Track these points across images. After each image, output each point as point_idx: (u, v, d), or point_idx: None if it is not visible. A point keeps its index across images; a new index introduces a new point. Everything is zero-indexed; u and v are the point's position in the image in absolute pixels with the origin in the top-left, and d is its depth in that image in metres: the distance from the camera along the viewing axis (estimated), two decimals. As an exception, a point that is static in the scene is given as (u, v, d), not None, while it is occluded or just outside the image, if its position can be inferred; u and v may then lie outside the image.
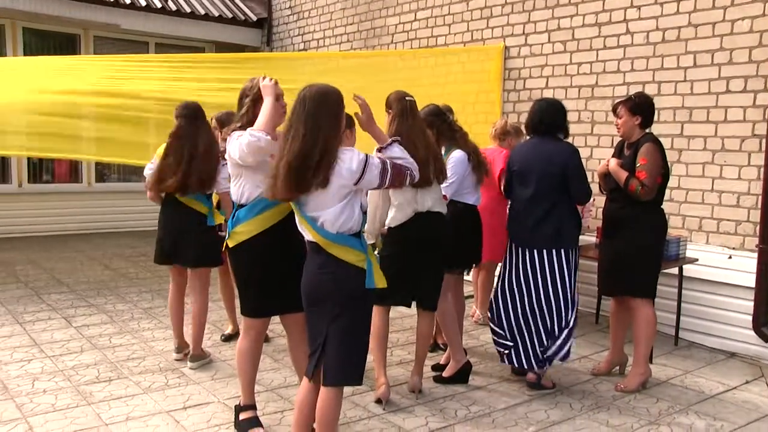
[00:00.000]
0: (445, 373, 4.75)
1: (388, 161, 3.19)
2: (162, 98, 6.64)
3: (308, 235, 3.13)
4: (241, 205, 3.62)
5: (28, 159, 10.60)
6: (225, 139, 3.69)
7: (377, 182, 3.14)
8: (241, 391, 3.89)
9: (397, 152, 3.34)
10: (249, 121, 3.58)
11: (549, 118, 4.62)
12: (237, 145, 3.43)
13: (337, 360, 3.14)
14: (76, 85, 6.67)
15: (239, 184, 3.60)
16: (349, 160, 3.02)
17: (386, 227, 4.37)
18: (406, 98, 4.25)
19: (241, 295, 3.78)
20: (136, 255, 9.20)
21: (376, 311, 4.37)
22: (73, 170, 11.23)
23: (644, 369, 4.74)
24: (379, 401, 4.30)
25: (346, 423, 4.00)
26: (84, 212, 10.98)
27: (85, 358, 5.04)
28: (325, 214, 3.05)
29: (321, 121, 3.02)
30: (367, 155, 3.10)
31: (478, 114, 7.29)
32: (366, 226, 4.37)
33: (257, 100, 3.60)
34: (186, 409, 4.17)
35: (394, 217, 4.29)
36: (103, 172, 11.46)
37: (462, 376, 4.73)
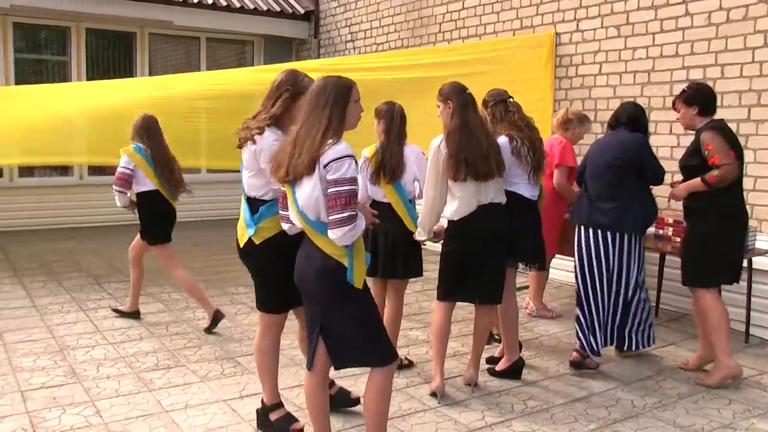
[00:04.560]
0: (498, 368, 4.73)
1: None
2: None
3: (297, 221, 3.16)
4: (261, 200, 3.60)
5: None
6: (251, 130, 3.57)
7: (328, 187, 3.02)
8: (264, 391, 3.81)
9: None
10: (276, 116, 3.53)
11: (626, 114, 4.79)
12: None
13: (341, 348, 3.18)
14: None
15: (258, 178, 3.58)
16: (334, 151, 2.99)
17: (446, 221, 4.34)
18: (466, 92, 4.23)
19: (263, 291, 3.73)
20: (189, 245, 9.37)
21: (438, 307, 4.40)
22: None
23: (725, 364, 4.56)
24: (434, 394, 4.29)
25: (401, 415, 4.01)
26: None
27: (145, 346, 5.17)
28: (305, 199, 3.05)
29: (315, 111, 3.05)
30: (351, 158, 3.01)
31: (529, 102, 7.15)
32: (419, 219, 4.41)
33: (297, 95, 3.50)
34: (242, 398, 4.24)
35: (456, 211, 4.25)
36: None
37: (514, 371, 4.69)
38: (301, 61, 10.86)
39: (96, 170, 11.20)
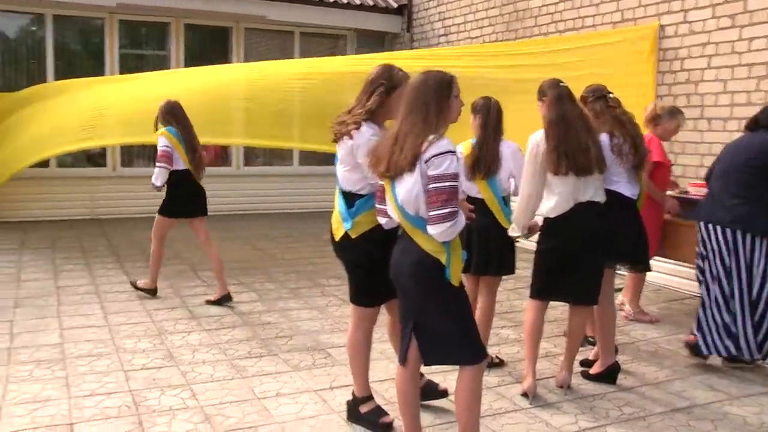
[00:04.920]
0: (592, 371, 4.58)
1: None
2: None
3: (395, 216, 3.15)
4: (357, 195, 3.58)
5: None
6: (347, 125, 3.54)
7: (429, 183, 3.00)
8: (355, 384, 3.82)
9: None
10: (372, 110, 3.50)
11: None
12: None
13: (434, 344, 3.16)
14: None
15: (355, 173, 3.56)
16: (436, 147, 2.96)
17: (541, 218, 4.25)
18: (561, 84, 4.13)
19: (358, 285, 3.72)
20: (280, 236, 9.55)
21: (531, 305, 4.31)
22: (223, 154, 11.81)
23: None
24: (525, 395, 4.21)
25: (492, 414, 3.95)
26: (232, 194, 11.50)
27: (238, 334, 5.27)
28: (405, 194, 3.04)
29: (416, 106, 3.03)
30: (453, 154, 2.99)
31: (628, 98, 6.90)
32: (513, 215, 4.33)
33: (391, 89, 3.48)
34: (332, 389, 4.26)
35: (553, 208, 4.15)
36: (250, 156, 11.95)
37: (609, 376, 4.52)
38: (394, 52, 10.89)
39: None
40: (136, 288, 6.27)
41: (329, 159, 11.16)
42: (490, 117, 4.41)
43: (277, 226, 10.36)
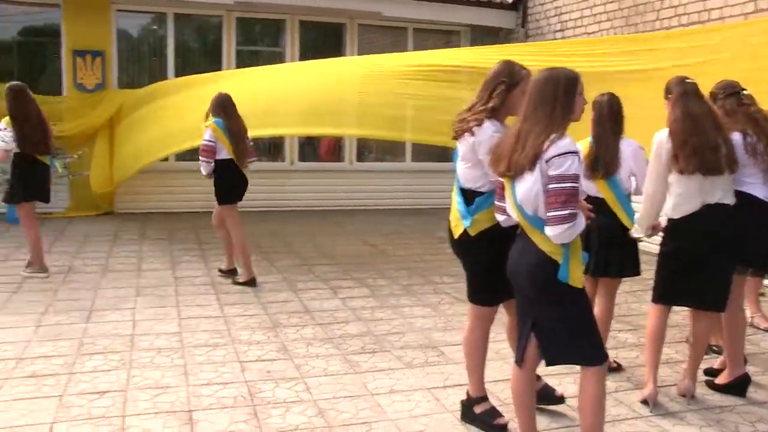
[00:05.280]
0: (719, 381, 4.27)
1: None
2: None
3: (514, 215, 3.07)
4: (477, 192, 3.51)
5: (299, 139, 11.47)
6: (468, 122, 3.50)
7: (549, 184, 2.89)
8: (470, 383, 3.75)
9: None
10: (494, 108, 3.43)
11: None
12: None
13: (554, 344, 3.08)
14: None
15: (475, 170, 3.50)
16: (557, 146, 2.86)
17: (665, 219, 4.03)
18: (687, 80, 3.91)
19: (476, 283, 3.65)
20: (392, 233, 9.52)
21: (653, 310, 4.09)
22: (336, 149, 11.93)
23: None
24: (645, 402, 3.99)
25: (611, 421, 3.74)
26: (345, 189, 11.60)
27: (351, 329, 5.25)
28: (524, 193, 2.96)
29: (539, 104, 2.96)
30: (575, 154, 2.88)
31: (760, 94, 6.49)
32: (638, 216, 4.11)
33: (512, 86, 3.42)
34: (446, 388, 4.17)
35: (678, 208, 3.92)
36: (362, 151, 12.01)
37: (739, 387, 4.20)
38: (507, 45, 10.65)
39: (306, 156, 11.73)
40: (237, 283, 6.49)
41: (442, 155, 11.20)
42: (610, 114, 4.21)
43: (388, 222, 10.35)
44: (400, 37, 12.17)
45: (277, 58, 11.56)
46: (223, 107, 6.33)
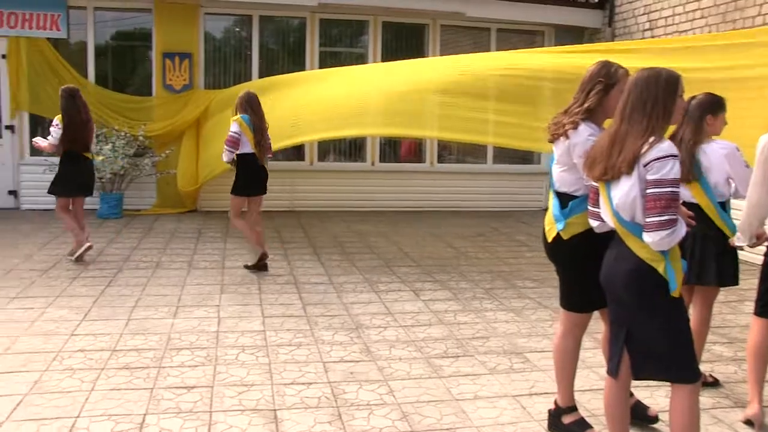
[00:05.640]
0: None
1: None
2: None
3: (610, 220, 2.96)
4: (571, 196, 3.42)
5: (380, 140, 11.50)
6: (563, 125, 3.41)
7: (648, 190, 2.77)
8: (559, 392, 3.64)
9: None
10: (590, 109, 3.34)
11: None
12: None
13: (647, 358, 2.94)
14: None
15: (570, 174, 3.41)
16: (657, 150, 2.74)
17: None
18: None
19: (569, 289, 3.54)
20: (473, 235, 9.41)
21: (756, 323, 3.87)
22: (417, 150, 11.90)
23: None
24: (749, 422, 3.77)
25: (710, 439, 3.58)
26: (426, 191, 11.56)
27: (434, 332, 5.19)
28: (621, 198, 2.85)
29: (638, 106, 2.84)
30: (674, 158, 2.75)
31: None
32: (740, 223, 3.90)
33: (610, 87, 3.32)
34: (531, 396, 4.06)
35: None
36: (442, 153, 11.94)
37: None
38: (592, 44, 10.40)
39: (386, 157, 11.74)
40: (248, 267, 7.00)
41: (524, 157, 11.03)
42: (688, 115, 4.04)
43: (469, 225, 10.24)
44: (483, 38, 12.05)
45: (360, 60, 11.62)
46: (250, 104, 6.87)
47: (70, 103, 7.12)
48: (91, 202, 10.10)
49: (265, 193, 7.17)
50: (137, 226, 9.39)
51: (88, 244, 7.15)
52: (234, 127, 6.78)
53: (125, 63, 11.40)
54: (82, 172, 7.24)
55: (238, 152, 6.84)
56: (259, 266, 6.94)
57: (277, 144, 8.68)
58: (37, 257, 7.36)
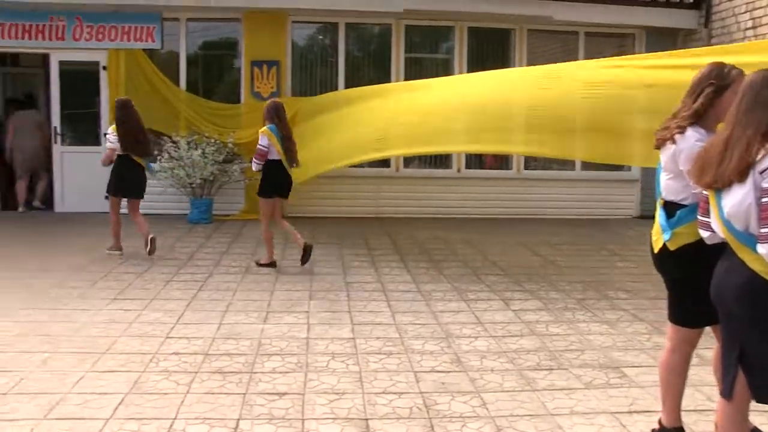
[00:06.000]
0: None
1: None
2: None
3: (720, 231, 2.79)
4: (679, 204, 3.27)
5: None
6: (671, 129, 3.27)
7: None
8: (664, 411, 3.47)
9: None
10: (699, 113, 3.20)
11: None
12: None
13: (764, 377, 2.73)
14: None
15: (677, 181, 3.27)
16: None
17: None
18: None
19: (677, 302, 3.38)
20: (561, 243, 9.22)
21: None
22: (503, 157, 11.74)
23: None
24: None
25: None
26: (512, 198, 11.39)
27: (526, 343, 5.06)
28: (733, 207, 2.68)
29: (752, 109, 2.68)
30: None
31: None
32: None
33: (722, 89, 3.16)
34: (631, 413, 3.88)
35: None
36: (528, 159, 11.74)
37: None
38: (686, 49, 10.03)
39: (472, 164, 11.62)
40: (260, 265, 7.40)
41: (612, 164, 10.67)
42: None
43: (556, 233, 10.03)
44: (570, 42, 11.80)
45: (446, 65, 11.57)
46: (277, 114, 7.28)
47: (124, 113, 7.76)
48: (182, 207, 10.44)
49: (287, 197, 7.63)
50: (226, 231, 9.57)
51: (117, 252, 7.85)
52: (263, 141, 7.15)
53: (214, 71, 11.68)
54: (131, 175, 7.84)
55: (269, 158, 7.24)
56: (304, 258, 7.37)
57: (360, 157, 8.80)
58: (134, 259, 7.60)
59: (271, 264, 7.38)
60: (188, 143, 10.30)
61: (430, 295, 6.35)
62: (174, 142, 10.16)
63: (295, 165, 7.46)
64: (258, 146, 7.20)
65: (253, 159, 7.30)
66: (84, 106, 11.00)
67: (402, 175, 11.34)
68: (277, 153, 7.21)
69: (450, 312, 5.82)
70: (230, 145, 10.40)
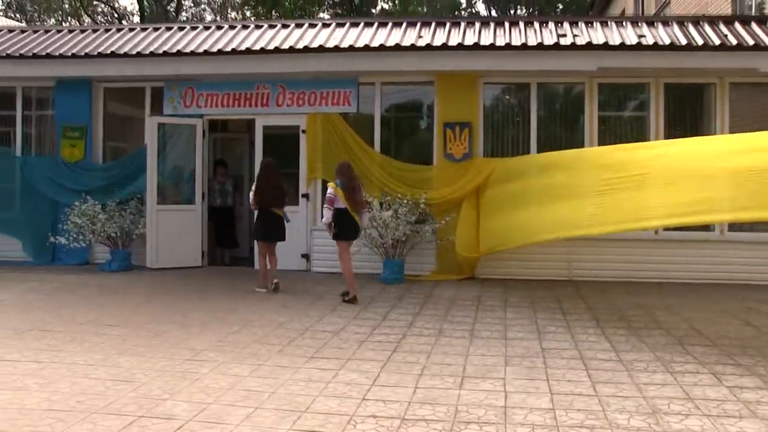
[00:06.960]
0: None
1: None
2: None
3: None
4: None
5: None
6: None
7: None
8: None
9: None
10: None
11: None
12: None
13: None
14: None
15: None
16: None
17: None
18: None
19: None
20: (742, 308, 8.50)
21: None
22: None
23: None
24: None
25: None
26: (714, 261, 10.67)
27: (747, 426, 4.59)
28: None
29: None
30: None
31: None
32: None
33: None
34: None
35: None
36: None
37: None
38: None
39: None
40: (345, 301, 8.85)
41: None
42: None
43: (764, 299, 9.23)
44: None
45: (641, 124, 11.21)
46: (342, 173, 8.95)
47: (261, 173, 9.73)
48: (375, 267, 10.75)
49: (353, 240, 9.26)
50: (417, 292, 9.72)
51: (263, 290, 9.58)
52: (330, 190, 8.90)
53: (405, 132, 12.07)
54: (269, 224, 9.59)
55: (335, 207, 8.83)
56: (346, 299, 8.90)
57: (573, 232, 9.00)
58: (328, 318, 7.90)
59: (353, 299, 8.83)
60: (380, 204, 10.64)
61: (632, 365, 6.03)
62: (368, 203, 10.54)
63: (360, 213, 9.04)
64: (327, 194, 8.95)
65: (324, 206, 8.97)
66: (284, 167, 11.80)
67: (595, 237, 10.96)
68: (342, 202, 8.79)
69: (655, 384, 5.47)
70: (422, 205, 10.62)
